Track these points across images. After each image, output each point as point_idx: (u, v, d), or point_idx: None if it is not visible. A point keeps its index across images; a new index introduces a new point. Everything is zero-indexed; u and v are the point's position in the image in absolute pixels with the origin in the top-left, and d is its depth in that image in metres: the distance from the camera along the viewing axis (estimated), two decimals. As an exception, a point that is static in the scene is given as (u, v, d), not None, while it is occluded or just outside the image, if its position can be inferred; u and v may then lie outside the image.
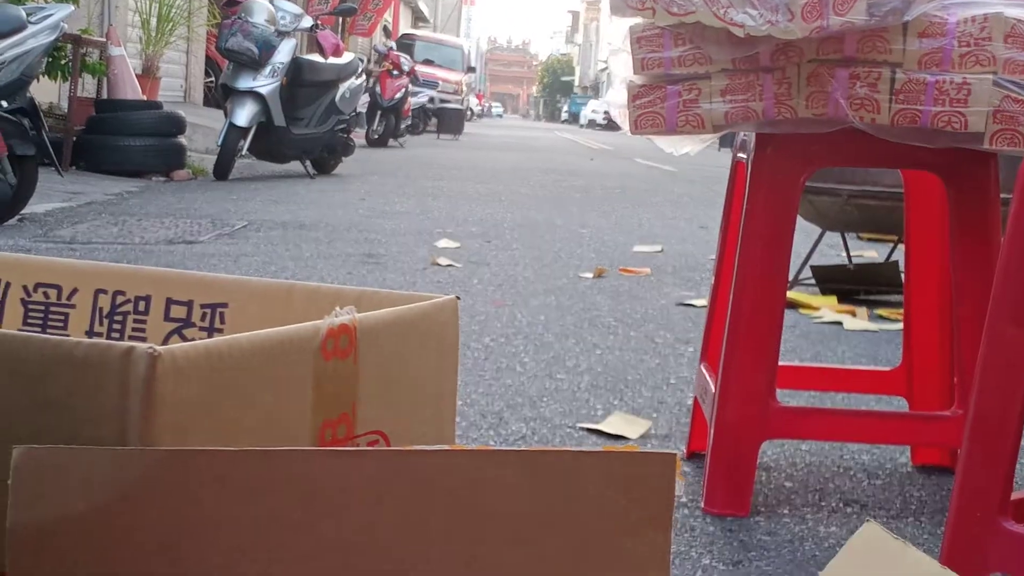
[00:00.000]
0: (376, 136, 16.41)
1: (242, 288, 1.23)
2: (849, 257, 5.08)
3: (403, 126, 17.59)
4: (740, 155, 2.24)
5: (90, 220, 5.95)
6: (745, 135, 2.18)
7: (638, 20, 2.00)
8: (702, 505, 2.08)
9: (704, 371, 2.29)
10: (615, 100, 2.10)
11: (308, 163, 9.89)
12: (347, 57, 10.54)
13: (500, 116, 72.73)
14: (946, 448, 2.33)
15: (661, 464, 0.80)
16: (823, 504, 2.17)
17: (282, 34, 9.36)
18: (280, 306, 1.18)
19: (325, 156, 10.20)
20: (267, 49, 9.13)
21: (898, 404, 2.56)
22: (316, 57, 10.07)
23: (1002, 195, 2.08)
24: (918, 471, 2.38)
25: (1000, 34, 1.94)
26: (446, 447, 0.87)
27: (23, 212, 5.72)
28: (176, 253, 4.98)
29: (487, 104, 64.38)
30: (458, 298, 1.14)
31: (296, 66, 9.56)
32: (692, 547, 1.91)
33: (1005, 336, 1.56)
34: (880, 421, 2.17)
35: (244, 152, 9.17)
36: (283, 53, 9.32)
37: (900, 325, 2.42)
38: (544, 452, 0.83)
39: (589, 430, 2.59)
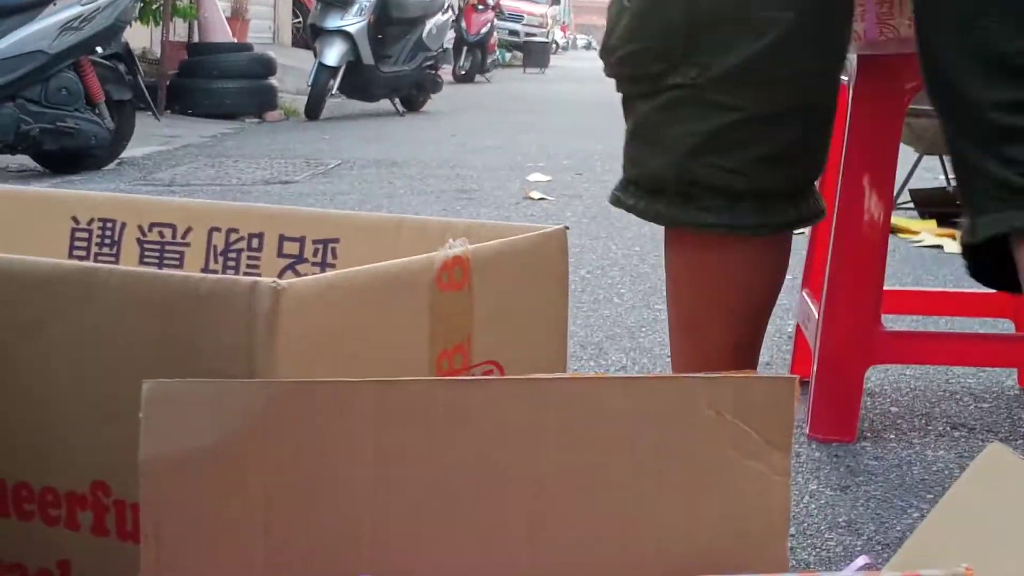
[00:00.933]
0: (463, 72, 16.40)
1: (352, 223, 1.24)
2: (948, 180, 5.00)
3: (489, 60, 17.56)
4: (841, 77, 2.20)
5: (187, 163, 6.03)
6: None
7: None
8: (807, 431, 2.07)
9: (807, 298, 2.27)
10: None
11: (397, 100, 9.92)
12: (434, -8, 10.53)
13: (588, 47, 72.30)
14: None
15: (781, 388, 0.81)
16: (930, 428, 2.15)
17: (369, -29, 9.36)
18: (390, 240, 1.19)
19: (414, 93, 10.22)
20: (355, -13, 9.15)
21: (1004, 327, 2.52)
22: (404, -7, 10.07)
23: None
24: (1025, 394, 2.35)
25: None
26: (561, 375, 0.88)
27: (122, 156, 5.82)
28: (273, 193, 5.04)
29: (572, 36, 63.96)
30: (567, 228, 1.15)
31: (383, 4, 9.56)
32: (799, 472, 1.90)
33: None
34: (986, 344, 2.14)
35: (334, 91, 9.22)
36: (371, -10, 9.33)
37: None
38: (661, 379, 0.84)
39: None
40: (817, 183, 1.51)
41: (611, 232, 4.30)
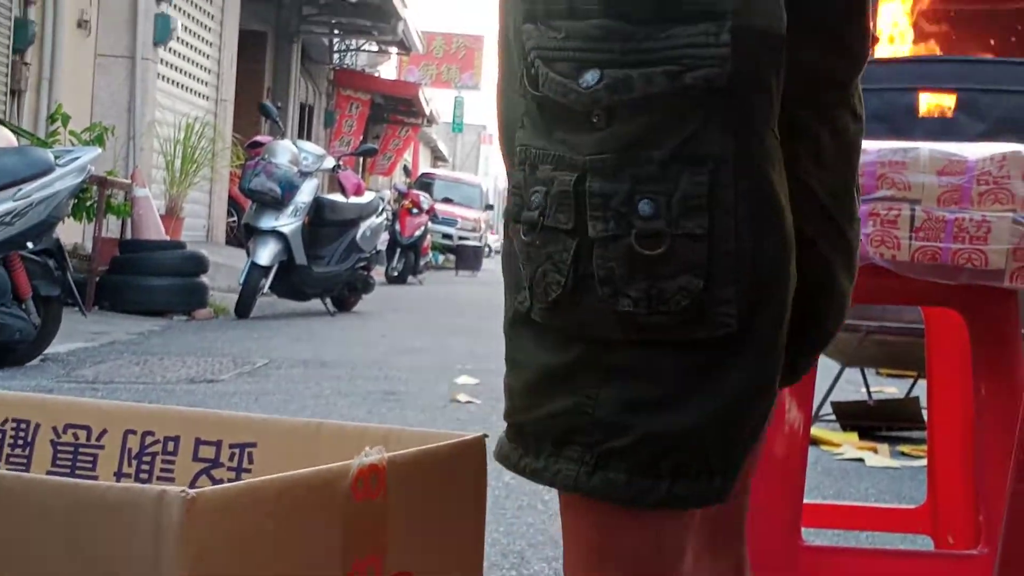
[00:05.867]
0: (395, 273, 16.55)
1: (270, 427, 1.24)
2: (869, 393, 5.07)
3: (422, 263, 17.76)
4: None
5: (112, 360, 5.98)
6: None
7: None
8: (729, 646, 2.04)
9: (728, 509, 2.27)
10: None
11: (329, 301, 9.96)
12: (368, 196, 10.69)
13: None
14: (975, 587, 2.30)
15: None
16: (852, 645, 2.13)
17: (304, 174, 9.50)
18: (308, 445, 1.18)
19: (346, 293, 10.28)
20: (290, 189, 9.27)
21: (923, 543, 2.53)
22: (338, 197, 10.22)
23: None
24: (948, 610, 2.34)
25: (1019, 172, 1.97)
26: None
27: (46, 352, 5.76)
28: (197, 393, 5.00)
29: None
30: (486, 436, 1.15)
31: (318, 206, 9.69)
32: None
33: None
34: (906, 560, 2.15)
35: (266, 291, 9.25)
36: (305, 193, 9.45)
37: (923, 461, 2.41)
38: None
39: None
40: None
41: (537, 437, 4.29)
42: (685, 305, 0.93)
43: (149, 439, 1.26)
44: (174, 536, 0.82)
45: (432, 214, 18.46)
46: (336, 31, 20.90)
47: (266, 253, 9.04)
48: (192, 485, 1.23)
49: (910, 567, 2.14)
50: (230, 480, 1.21)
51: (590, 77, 0.93)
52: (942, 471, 2.35)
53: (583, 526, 1.02)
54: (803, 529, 2.13)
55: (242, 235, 10.01)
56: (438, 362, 6.62)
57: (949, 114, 4.55)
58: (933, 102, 4.69)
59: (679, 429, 0.95)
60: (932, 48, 4.78)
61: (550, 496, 3.29)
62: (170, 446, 1.25)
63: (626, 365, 0.95)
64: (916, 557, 2.20)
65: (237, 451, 1.23)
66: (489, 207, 28.76)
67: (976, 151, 1.98)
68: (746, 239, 0.93)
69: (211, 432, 1.24)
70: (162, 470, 1.26)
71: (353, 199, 10.21)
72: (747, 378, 0.97)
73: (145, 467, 1.26)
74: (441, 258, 24.05)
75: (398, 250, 16.56)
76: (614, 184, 0.92)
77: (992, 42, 4.95)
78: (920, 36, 4.73)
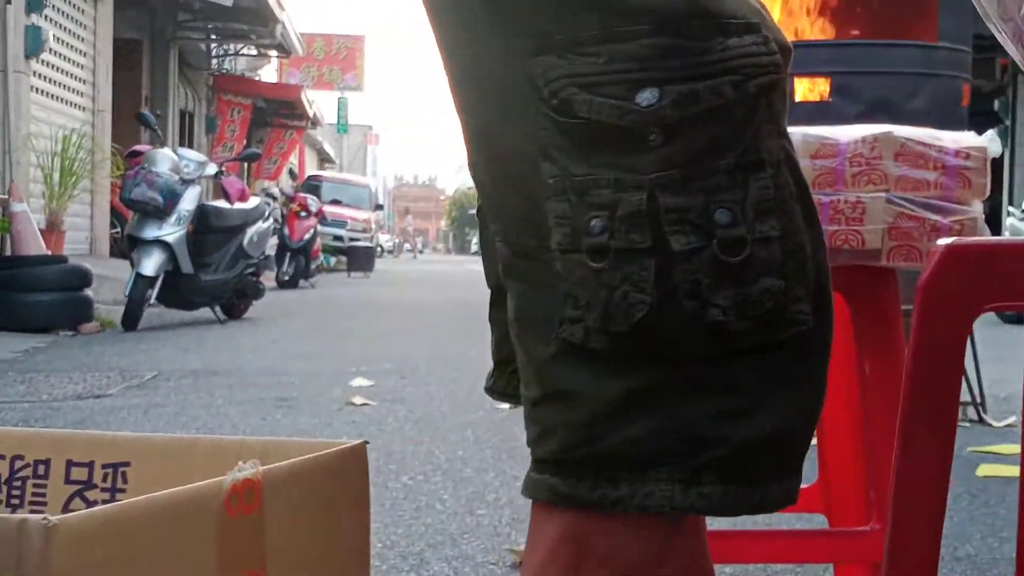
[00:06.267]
0: (286, 278, 16.40)
1: (144, 445, 1.20)
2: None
3: (313, 266, 17.61)
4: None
5: (-5, 379, 5.83)
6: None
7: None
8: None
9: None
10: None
11: (218, 308, 9.83)
12: (253, 201, 10.57)
13: (422, 252, 73.69)
14: (868, 564, 2.33)
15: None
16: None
17: (186, 182, 9.36)
18: (184, 462, 1.15)
19: (235, 301, 10.14)
20: (172, 198, 9.12)
21: (819, 521, 2.56)
22: (222, 203, 10.07)
23: (903, 306, 2.12)
24: (843, 587, 2.37)
25: (890, 152, 1.99)
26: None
27: (-75, 375, 5.59)
28: (85, 409, 4.89)
29: (398, 240, 64.69)
30: (366, 443, 1.12)
31: (202, 213, 9.53)
32: None
33: (917, 449, 1.57)
34: (800, 541, 2.16)
35: (153, 301, 9.09)
36: (188, 201, 9.31)
37: (812, 440, 2.43)
38: None
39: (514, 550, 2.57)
40: None
41: (434, 436, 4.28)
42: (770, 307, 0.95)
43: (19, 463, 1.22)
44: (37, 566, 0.79)
45: (321, 217, 18.32)
46: (213, 36, 20.62)
47: (151, 263, 8.89)
48: (65, 508, 1.19)
49: (805, 547, 2.16)
50: (104, 501, 1.17)
51: (649, 95, 0.95)
52: (831, 450, 2.38)
53: (603, 546, 1.02)
54: (697, 515, 2.14)
55: (126, 246, 9.83)
56: (332, 366, 6.56)
57: (825, 97, 4.62)
58: (809, 87, 4.76)
59: (768, 433, 0.97)
60: (804, 33, 4.85)
61: (448, 495, 3.27)
62: (40, 469, 1.21)
63: (707, 378, 0.96)
64: (810, 537, 2.22)
65: (110, 471, 1.19)
66: (379, 207, 28.64)
67: (847, 133, 2.00)
68: (806, 237, 0.97)
69: (83, 453, 1.20)
70: (34, 495, 1.21)
71: (238, 205, 10.08)
72: (820, 374, 1.00)
73: (16, 492, 1.22)
74: (333, 260, 23.89)
75: (288, 254, 16.41)
76: (687, 198, 0.94)
77: (863, 24, 5.03)
78: (791, 22, 4.80)
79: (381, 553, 2.63)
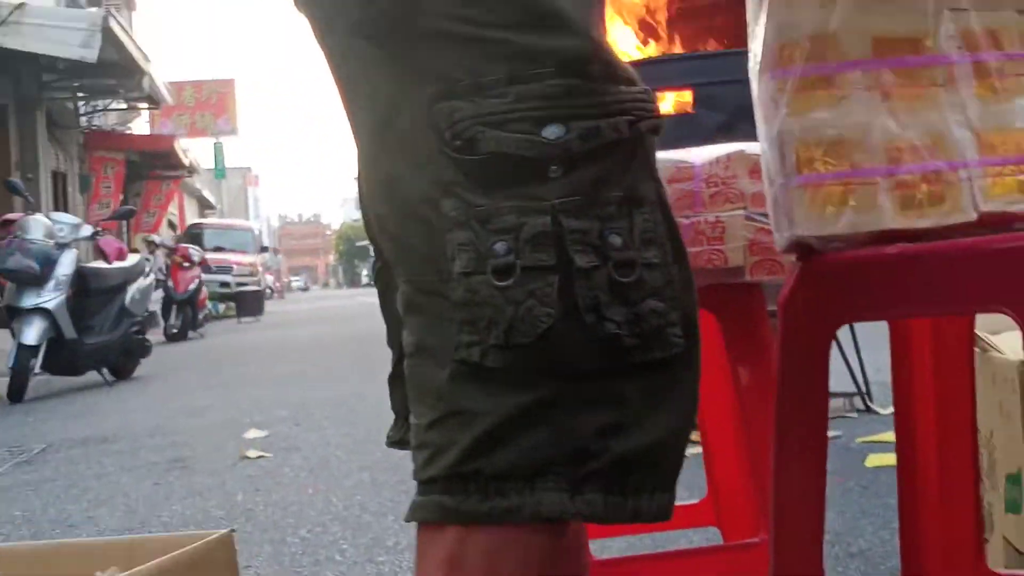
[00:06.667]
0: (174, 331, 16.16)
1: (9, 555, 1.17)
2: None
3: (202, 315, 17.39)
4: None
5: None
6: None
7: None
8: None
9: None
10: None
11: (105, 371, 9.66)
12: (133, 259, 10.42)
13: (307, 290, 73.11)
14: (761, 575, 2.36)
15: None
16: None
17: (62, 246, 9.19)
18: (48, 569, 1.12)
19: (122, 361, 9.97)
20: (48, 263, 8.96)
21: (712, 535, 2.58)
22: (101, 264, 9.92)
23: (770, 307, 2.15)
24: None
25: (744, 170, 2.02)
26: None
27: None
28: (-28, 491, 4.76)
29: (286, 280, 64.12)
30: (233, 531, 1.11)
31: (80, 276, 9.37)
32: None
33: (791, 461, 1.59)
34: (694, 558, 2.18)
35: (38, 370, 8.90)
36: (65, 265, 9.14)
37: (698, 449, 2.45)
38: None
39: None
40: None
41: (331, 483, 4.24)
42: (655, 326, 1.05)
43: None
44: None
45: (204, 265, 18.11)
46: (80, 94, 20.29)
47: (32, 332, 8.71)
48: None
49: (698, 564, 2.18)
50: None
51: (555, 129, 1.04)
52: (719, 463, 2.41)
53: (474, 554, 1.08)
54: (590, 540, 2.15)
55: (5, 317, 9.61)
56: (225, 418, 6.47)
57: (689, 110, 4.68)
58: (673, 100, 4.82)
59: (644, 447, 1.06)
60: (665, 47, 4.91)
61: (348, 544, 3.24)
62: (-99, 590, 1.17)
63: (594, 394, 1.05)
64: (702, 554, 2.24)
65: (-26, 584, 1.16)
66: (264, 249, 28.38)
67: (701, 155, 2.03)
68: (675, 269, 1.08)
69: (-56, 568, 1.17)
70: None
71: (116, 264, 9.94)
72: (690, 395, 1.10)
73: None
74: (222, 307, 23.65)
75: (174, 307, 16.18)
76: (587, 222, 1.03)
77: (724, 35, 5.11)
78: (650, 37, 4.85)
79: (283, 614, 2.60)
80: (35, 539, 3.66)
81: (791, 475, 1.59)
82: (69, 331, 9.00)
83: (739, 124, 4.30)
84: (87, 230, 9.75)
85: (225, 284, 23.71)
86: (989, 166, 1.48)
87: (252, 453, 5.06)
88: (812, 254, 1.50)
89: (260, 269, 27.07)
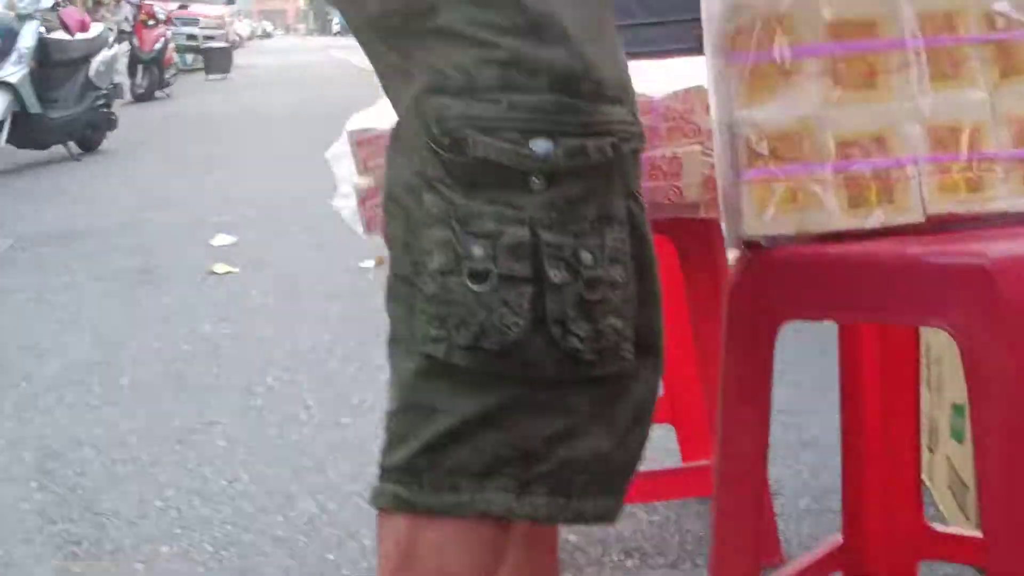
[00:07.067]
0: (141, 91, 15.90)
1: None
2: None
3: (168, 75, 17.10)
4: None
5: None
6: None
7: (358, 125, 2.00)
8: None
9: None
10: (344, 203, 2.12)
11: (72, 144, 9.57)
12: (96, 30, 10.22)
13: (270, 36, 71.77)
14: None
15: None
16: (605, 560, 2.25)
17: (23, 18, 9.03)
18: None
19: (88, 134, 9.87)
20: (9, 36, 8.81)
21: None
22: (63, 35, 9.70)
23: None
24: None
25: (702, 105, 1.98)
26: None
27: None
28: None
29: (256, 26, 62.93)
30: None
31: (43, 48, 9.20)
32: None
33: (736, 409, 1.63)
34: (657, 478, 2.25)
35: (3, 144, 8.82)
36: (27, 37, 8.98)
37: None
38: None
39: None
40: None
41: (298, 316, 4.28)
42: (613, 343, 1.10)
43: None
44: None
45: (170, 23, 17.69)
46: None
47: (-4, 106, 8.61)
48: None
49: (662, 483, 2.27)
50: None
51: (543, 144, 1.06)
52: (679, 388, 2.46)
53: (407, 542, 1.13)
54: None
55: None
56: (192, 219, 6.43)
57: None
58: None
59: (589, 453, 1.12)
60: None
61: (313, 400, 3.30)
62: None
63: (548, 401, 1.10)
64: (665, 475, 2.31)
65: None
66: (231, 1, 27.70)
67: (660, 89, 1.98)
68: (634, 288, 1.12)
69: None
70: None
71: (79, 36, 9.75)
72: (641, 404, 1.15)
73: None
74: (190, 58, 23.17)
75: (140, 66, 15.88)
76: (562, 238, 1.07)
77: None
78: None
79: (247, 491, 2.67)
80: (5, 371, 3.72)
81: (735, 450, 1.63)
82: (33, 104, 8.90)
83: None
84: (48, 1, 9.51)
85: (192, 36, 23.24)
86: (938, 162, 1.48)
87: (220, 269, 5.07)
88: (759, 248, 1.51)
89: (227, 20, 26.50)
